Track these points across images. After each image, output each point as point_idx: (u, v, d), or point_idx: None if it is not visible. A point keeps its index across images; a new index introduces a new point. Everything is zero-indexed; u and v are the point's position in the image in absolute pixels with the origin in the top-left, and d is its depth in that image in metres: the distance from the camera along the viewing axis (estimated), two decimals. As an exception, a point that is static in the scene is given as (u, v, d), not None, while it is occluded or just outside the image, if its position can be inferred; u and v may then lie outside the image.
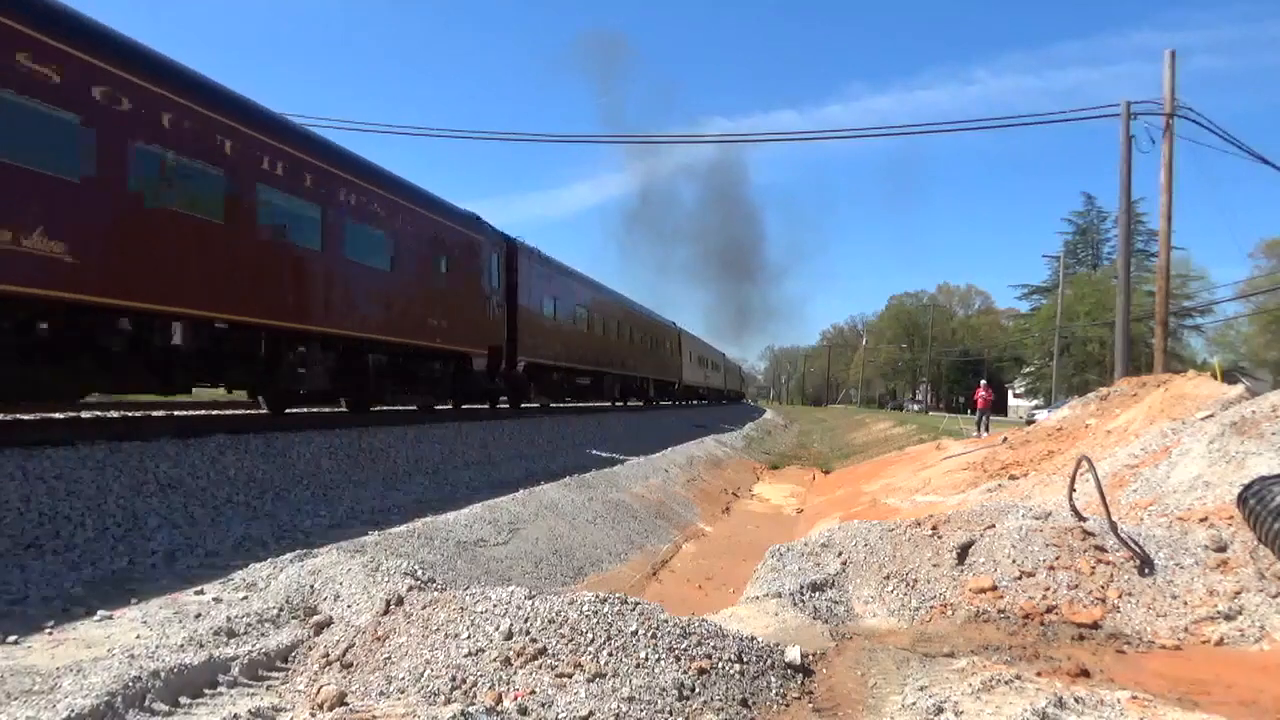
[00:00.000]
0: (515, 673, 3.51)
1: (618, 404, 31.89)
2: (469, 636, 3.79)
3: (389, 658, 3.84)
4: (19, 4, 7.23)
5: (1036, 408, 49.06)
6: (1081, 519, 5.69)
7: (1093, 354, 59.03)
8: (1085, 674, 3.70)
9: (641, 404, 36.60)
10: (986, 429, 25.73)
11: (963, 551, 5.36)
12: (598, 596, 3.99)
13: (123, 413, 11.85)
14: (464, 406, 18.52)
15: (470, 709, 3.09)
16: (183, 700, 3.77)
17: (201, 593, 5.50)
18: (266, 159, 10.57)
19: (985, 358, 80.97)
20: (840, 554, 5.86)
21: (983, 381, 29.40)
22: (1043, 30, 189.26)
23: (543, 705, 3.26)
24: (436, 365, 16.04)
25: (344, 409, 15.07)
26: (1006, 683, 3.30)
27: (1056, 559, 5.06)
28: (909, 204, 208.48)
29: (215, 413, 12.39)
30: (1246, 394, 9.92)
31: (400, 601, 4.40)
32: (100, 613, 4.92)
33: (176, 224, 9.11)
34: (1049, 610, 4.66)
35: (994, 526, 5.71)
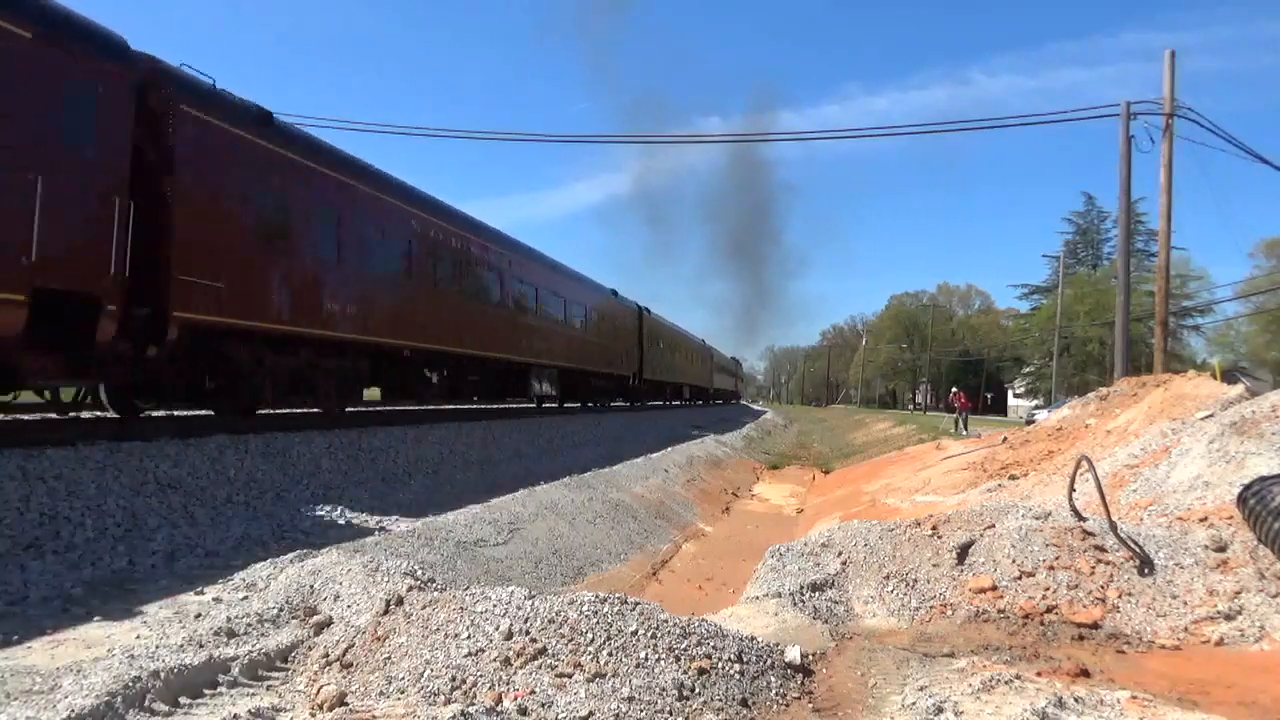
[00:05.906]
0: (515, 673, 3.50)
1: (634, 405, 32.70)
2: (469, 636, 3.79)
3: (389, 658, 3.84)
4: None
5: (1037, 407, 49.12)
6: (1081, 519, 5.68)
7: (1093, 354, 58.93)
8: (1085, 674, 3.70)
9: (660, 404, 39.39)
10: (965, 427, 30.55)
11: (963, 551, 5.35)
12: (598, 596, 3.99)
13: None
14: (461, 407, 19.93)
15: (470, 709, 3.09)
16: (183, 700, 3.77)
17: (201, 593, 5.50)
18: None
19: (985, 357, 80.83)
20: (840, 554, 5.86)
21: (954, 390, 37.28)
22: (1036, 31, 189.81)
23: (543, 705, 3.25)
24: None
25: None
26: (1006, 683, 3.29)
27: (1056, 559, 5.05)
28: (945, 202, 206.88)
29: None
30: (1246, 394, 9.90)
31: (400, 601, 4.40)
32: (100, 613, 4.92)
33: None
34: (1049, 610, 4.66)
35: (994, 526, 5.70)
